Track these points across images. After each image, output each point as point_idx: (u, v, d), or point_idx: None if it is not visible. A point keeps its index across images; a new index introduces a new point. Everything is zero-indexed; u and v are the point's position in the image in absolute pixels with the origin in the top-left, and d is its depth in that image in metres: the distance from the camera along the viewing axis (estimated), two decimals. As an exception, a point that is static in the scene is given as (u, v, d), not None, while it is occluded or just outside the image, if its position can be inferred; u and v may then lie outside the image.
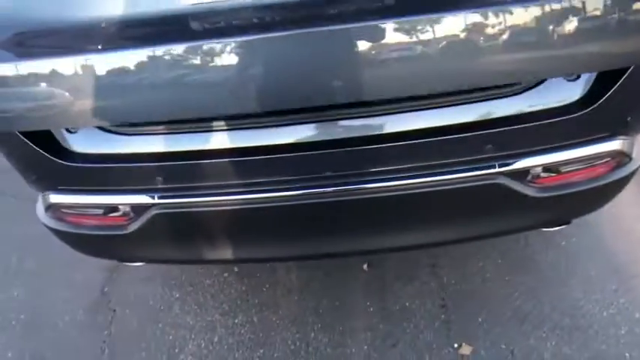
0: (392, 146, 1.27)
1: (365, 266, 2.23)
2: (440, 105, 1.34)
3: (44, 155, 1.32)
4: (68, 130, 1.35)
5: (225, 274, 2.30)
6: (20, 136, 1.30)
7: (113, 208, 1.40)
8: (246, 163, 1.32)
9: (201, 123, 1.33)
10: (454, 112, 1.34)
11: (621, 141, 1.39)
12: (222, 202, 1.35)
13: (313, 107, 1.28)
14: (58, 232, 1.53)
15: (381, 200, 1.34)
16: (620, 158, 1.43)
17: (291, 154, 1.29)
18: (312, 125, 1.34)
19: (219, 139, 1.34)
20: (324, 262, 2.25)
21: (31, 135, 1.31)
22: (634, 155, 1.45)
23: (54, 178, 1.40)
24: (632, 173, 1.47)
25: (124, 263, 1.84)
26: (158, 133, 1.34)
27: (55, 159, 1.32)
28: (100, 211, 1.41)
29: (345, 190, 1.32)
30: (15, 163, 1.43)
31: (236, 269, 2.31)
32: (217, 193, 1.34)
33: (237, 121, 1.32)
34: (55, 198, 1.42)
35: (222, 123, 1.33)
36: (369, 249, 1.59)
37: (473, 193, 1.38)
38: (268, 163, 1.30)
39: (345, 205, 1.35)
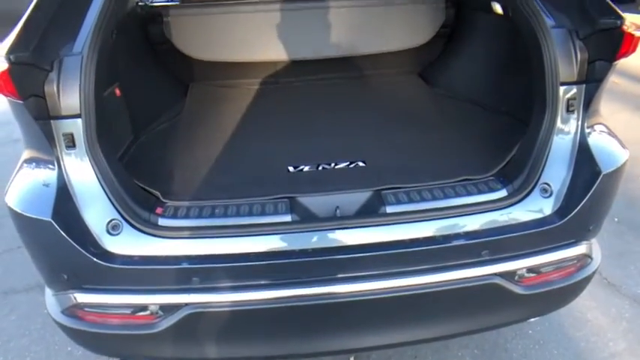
0: (414, 251, 1.49)
1: (352, 359, 2.31)
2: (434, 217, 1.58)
3: (82, 254, 1.38)
4: (109, 232, 1.43)
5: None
6: (61, 232, 1.36)
7: (143, 307, 1.46)
8: (274, 265, 1.45)
9: (238, 229, 1.47)
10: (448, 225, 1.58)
11: (585, 245, 1.68)
12: (253, 300, 1.45)
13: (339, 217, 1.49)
14: (73, 331, 1.53)
15: (404, 299, 1.50)
16: (585, 260, 1.71)
17: (320, 259, 1.45)
18: (334, 232, 1.51)
19: (253, 244, 1.47)
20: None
21: (71, 233, 1.37)
22: (593, 256, 1.74)
23: (86, 278, 1.44)
24: (594, 272, 1.75)
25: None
26: (197, 237, 1.46)
27: (94, 259, 1.38)
28: (129, 311, 1.45)
29: (370, 290, 1.48)
30: (45, 260, 1.47)
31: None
32: (249, 291, 1.45)
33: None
34: (83, 297, 1.45)
35: (256, 229, 1.48)
36: (387, 343, 1.72)
37: (471, 292, 1.58)
38: (298, 264, 1.44)
39: (368, 303, 1.49)
